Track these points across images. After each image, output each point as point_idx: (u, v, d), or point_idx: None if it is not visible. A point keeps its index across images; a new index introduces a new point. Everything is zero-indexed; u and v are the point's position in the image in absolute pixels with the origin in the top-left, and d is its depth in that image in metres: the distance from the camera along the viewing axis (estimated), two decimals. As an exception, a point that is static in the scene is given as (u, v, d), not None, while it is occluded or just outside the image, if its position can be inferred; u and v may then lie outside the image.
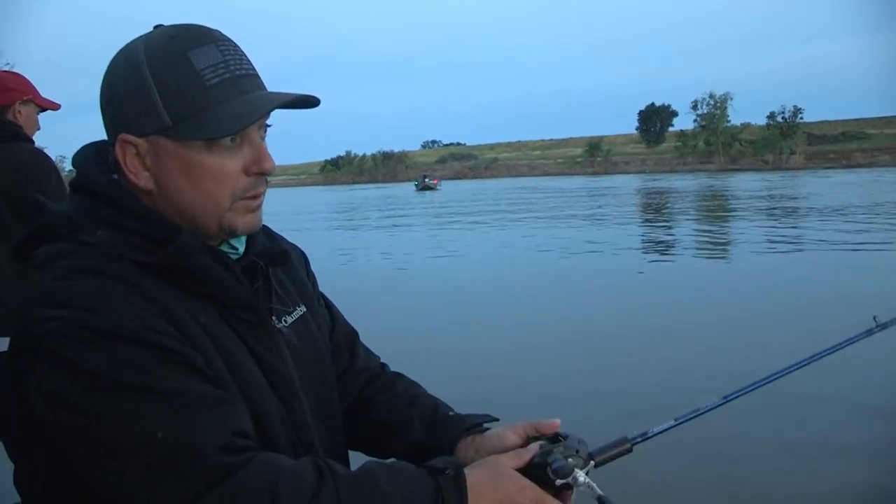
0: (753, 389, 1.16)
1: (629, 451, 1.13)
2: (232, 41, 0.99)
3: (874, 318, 1.39)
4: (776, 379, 1.21)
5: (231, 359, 0.97)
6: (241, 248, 1.07)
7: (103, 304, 0.87)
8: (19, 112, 2.95)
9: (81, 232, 0.95)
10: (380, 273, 13.11)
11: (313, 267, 1.26)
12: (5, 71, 3.58)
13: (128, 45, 0.98)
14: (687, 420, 1.15)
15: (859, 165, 78.01)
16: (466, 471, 0.97)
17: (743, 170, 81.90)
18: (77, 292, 0.88)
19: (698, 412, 1.15)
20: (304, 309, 1.14)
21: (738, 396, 1.14)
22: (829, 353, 1.31)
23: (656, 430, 1.14)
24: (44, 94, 3.00)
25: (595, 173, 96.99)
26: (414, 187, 69.64)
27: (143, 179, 0.97)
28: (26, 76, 3.06)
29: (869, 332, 1.39)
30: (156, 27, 1.00)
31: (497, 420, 1.19)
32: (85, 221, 0.96)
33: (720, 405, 1.15)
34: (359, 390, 1.25)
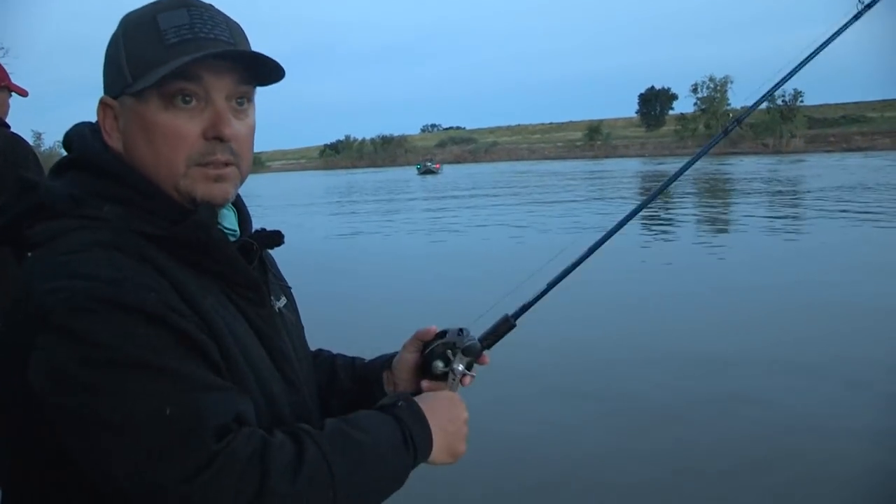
0: (615, 233, 1.22)
1: (512, 326, 1.20)
2: (215, 11, 0.99)
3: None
4: (637, 212, 1.29)
5: (238, 339, 0.97)
6: (237, 230, 1.08)
7: (119, 277, 0.85)
8: None
9: (86, 207, 0.94)
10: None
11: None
12: None
13: None
14: (559, 281, 1.21)
15: (859, 149, 77.27)
16: (416, 399, 1.05)
17: (743, 153, 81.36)
18: (90, 264, 0.86)
19: (568, 270, 1.22)
20: (284, 298, 1.17)
21: (604, 243, 1.20)
22: (688, 167, 1.40)
23: (531, 298, 1.20)
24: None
25: (595, 157, 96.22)
26: (416, 171, 69.45)
27: (114, 139, 0.99)
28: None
29: (700, 153, 1.50)
30: None
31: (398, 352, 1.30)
32: (89, 198, 0.94)
33: (587, 256, 1.21)
34: None
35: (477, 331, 1.22)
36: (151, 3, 0.99)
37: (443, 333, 1.20)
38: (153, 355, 0.83)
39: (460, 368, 1.14)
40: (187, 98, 0.95)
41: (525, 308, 1.20)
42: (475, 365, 1.17)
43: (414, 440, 0.99)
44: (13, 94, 3.15)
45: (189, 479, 0.80)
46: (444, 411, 1.06)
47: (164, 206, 0.96)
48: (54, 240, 0.90)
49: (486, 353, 1.20)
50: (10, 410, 0.88)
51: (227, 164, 0.98)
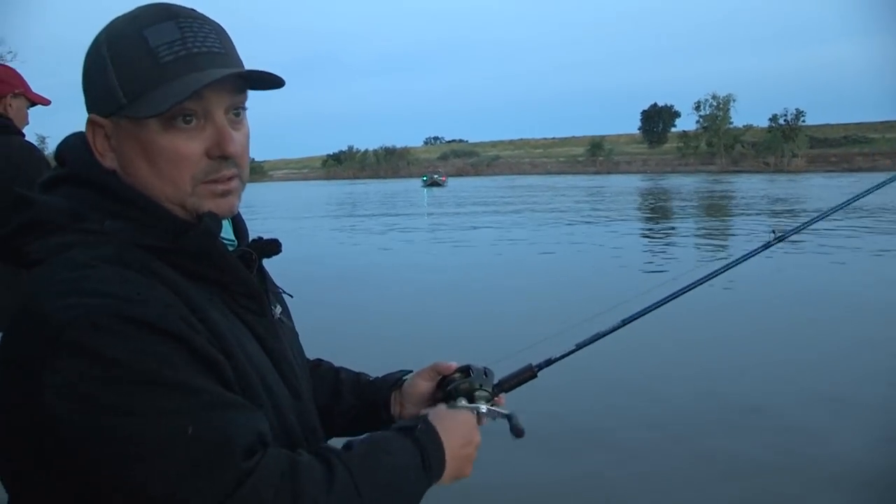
0: (651, 311, 1.27)
1: (534, 376, 1.24)
2: (201, 18, 0.95)
3: (772, 230, 1.47)
4: (673, 299, 1.31)
5: (246, 350, 0.96)
6: (234, 240, 1.06)
7: (130, 293, 0.83)
8: (10, 105, 3.01)
9: (87, 222, 0.91)
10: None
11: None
12: None
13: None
14: (587, 344, 1.26)
15: (860, 169, 77.28)
16: (433, 417, 1.07)
17: (744, 172, 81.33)
18: (101, 280, 0.84)
19: (598, 336, 1.26)
20: (279, 306, 1.16)
21: (636, 318, 1.26)
22: (729, 269, 1.41)
23: (558, 355, 1.26)
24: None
25: (597, 172, 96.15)
26: (422, 183, 69.74)
27: (108, 160, 0.95)
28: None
29: (766, 245, 1.47)
30: None
31: (411, 371, 1.30)
32: (88, 212, 0.92)
33: (618, 328, 1.26)
34: None
35: (497, 370, 1.23)
36: (132, 17, 0.94)
37: (465, 369, 1.22)
38: (172, 372, 0.81)
39: (484, 409, 1.18)
40: (188, 118, 0.92)
41: (550, 362, 1.25)
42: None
43: (432, 465, 1.01)
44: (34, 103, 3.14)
45: (224, 498, 0.79)
46: (459, 434, 1.08)
47: (166, 221, 0.94)
48: (58, 256, 0.88)
49: (502, 395, 1.23)
50: (21, 433, 0.83)
51: (231, 179, 0.97)
